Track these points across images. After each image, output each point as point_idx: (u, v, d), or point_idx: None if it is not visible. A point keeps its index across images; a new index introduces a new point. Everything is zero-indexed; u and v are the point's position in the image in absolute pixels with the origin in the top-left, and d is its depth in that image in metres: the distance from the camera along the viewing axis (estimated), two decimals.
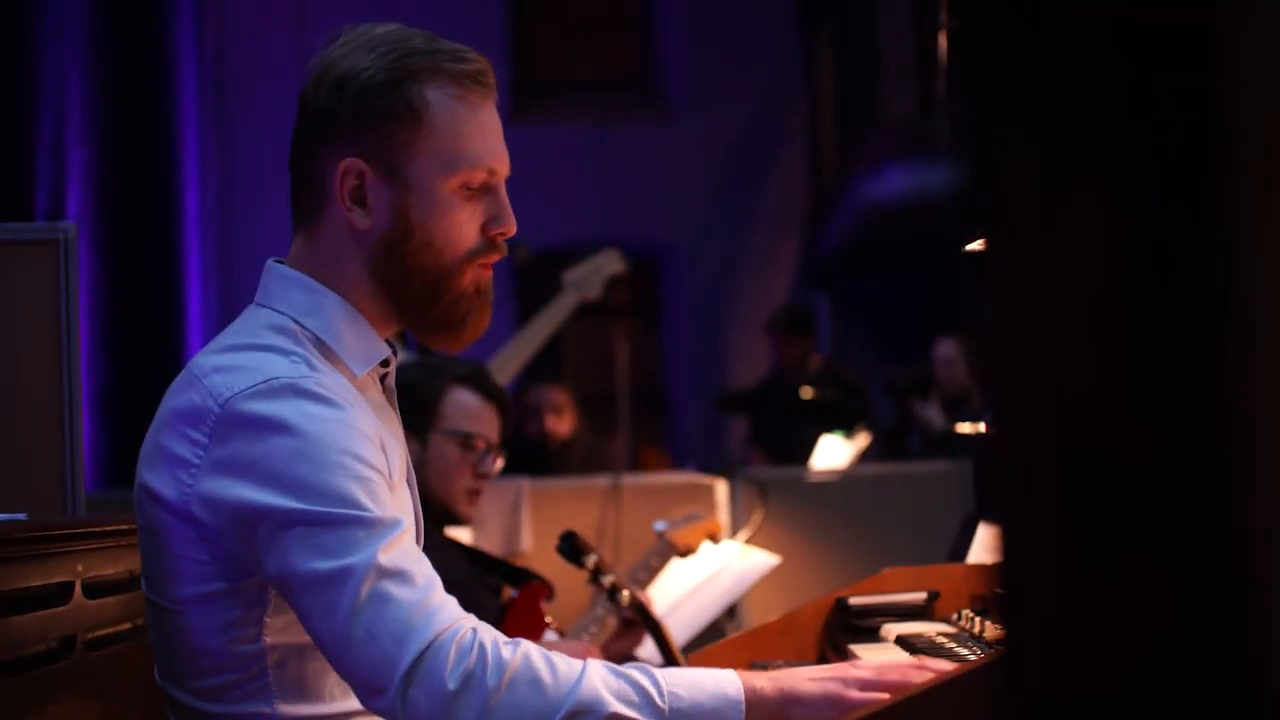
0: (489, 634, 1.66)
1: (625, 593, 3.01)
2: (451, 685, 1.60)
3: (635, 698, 1.65)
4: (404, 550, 1.67)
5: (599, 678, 1.65)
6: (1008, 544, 0.63)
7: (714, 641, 2.46)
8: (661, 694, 1.66)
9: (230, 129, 9.46)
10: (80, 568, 2.04)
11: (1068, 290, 0.62)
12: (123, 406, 5.90)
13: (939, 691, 1.61)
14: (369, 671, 1.62)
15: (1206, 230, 0.60)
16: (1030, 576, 0.63)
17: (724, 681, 1.69)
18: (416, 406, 3.15)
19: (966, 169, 0.62)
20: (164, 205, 6.88)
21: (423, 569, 1.67)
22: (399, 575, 1.64)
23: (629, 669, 1.69)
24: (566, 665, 1.66)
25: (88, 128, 6.23)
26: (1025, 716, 0.63)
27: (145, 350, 6.24)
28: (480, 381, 3.28)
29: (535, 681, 1.63)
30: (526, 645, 1.67)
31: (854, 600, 2.32)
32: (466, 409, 3.25)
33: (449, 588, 1.71)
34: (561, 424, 6.34)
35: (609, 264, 5.38)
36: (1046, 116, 0.62)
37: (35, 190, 5.89)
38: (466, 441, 3.22)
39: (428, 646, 1.61)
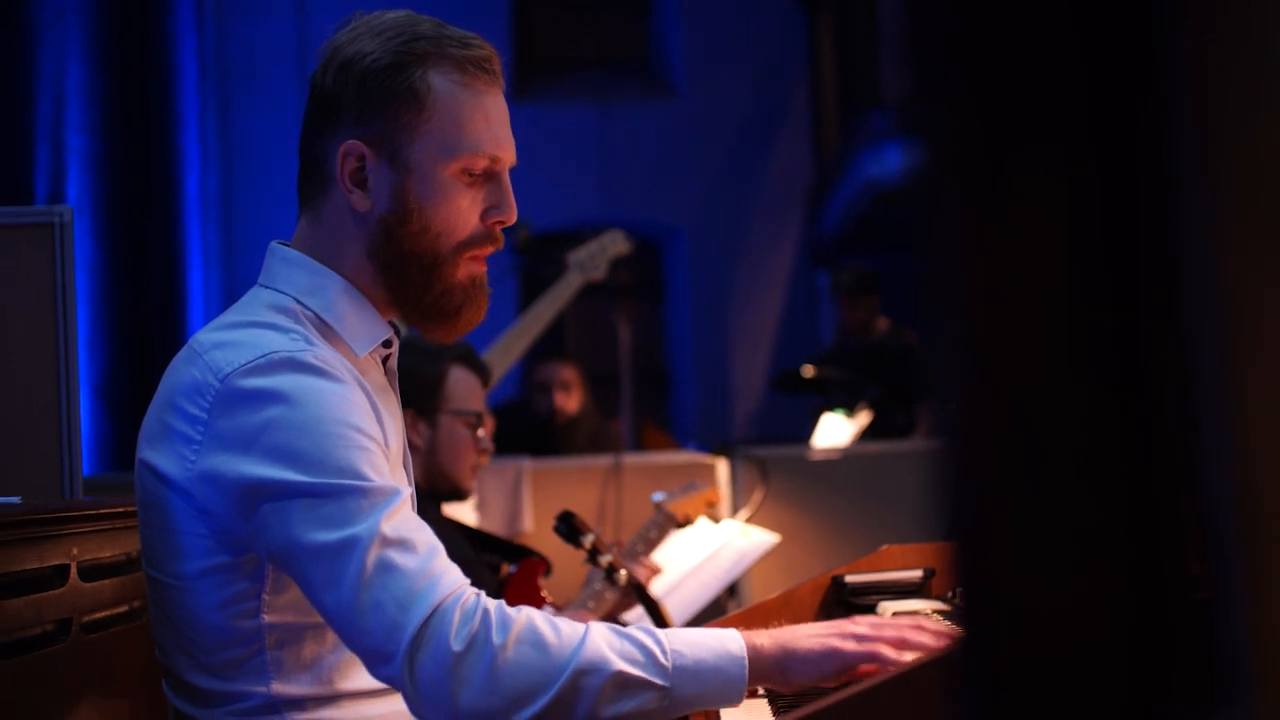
0: (492, 600, 1.68)
1: (623, 572, 3.01)
2: (457, 647, 1.62)
3: (639, 656, 1.68)
4: (405, 519, 1.69)
5: (603, 638, 1.68)
6: (963, 539, 0.63)
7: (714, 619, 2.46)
8: (664, 652, 1.69)
9: (231, 111, 9.45)
10: (76, 550, 2.04)
11: (1019, 273, 0.62)
12: (124, 389, 5.91)
13: (910, 677, 1.61)
14: (376, 640, 1.64)
15: (1161, 203, 0.60)
16: (987, 572, 0.63)
17: (726, 639, 1.73)
18: (421, 390, 3.21)
19: (919, 138, 0.62)
20: (165, 188, 6.88)
21: (424, 537, 1.69)
22: (402, 544, 1.66)
23: (631, 630, 1.72)
24: (570, 627, 1.68)
25: (87, 112, 6.22)
26: (984, 710, 0.63)
27: (147, 333, 6.24)
28: (473, 359, 3.37)
29: (540, 642, 1.65)
30: (530, 610, 1.69)
31: (850, 578, 2.32)
32: (469, 388, 3.32)
33: None
34: (570, 401, 6.34)
35: (614, 244, 5.41)
36: (997, 79, 0.62)
37: (35, 175, 5.89)
38: (468, 420, 3.28)
39: (433, 611, 1.63)
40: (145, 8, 6.87)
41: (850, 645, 1.74)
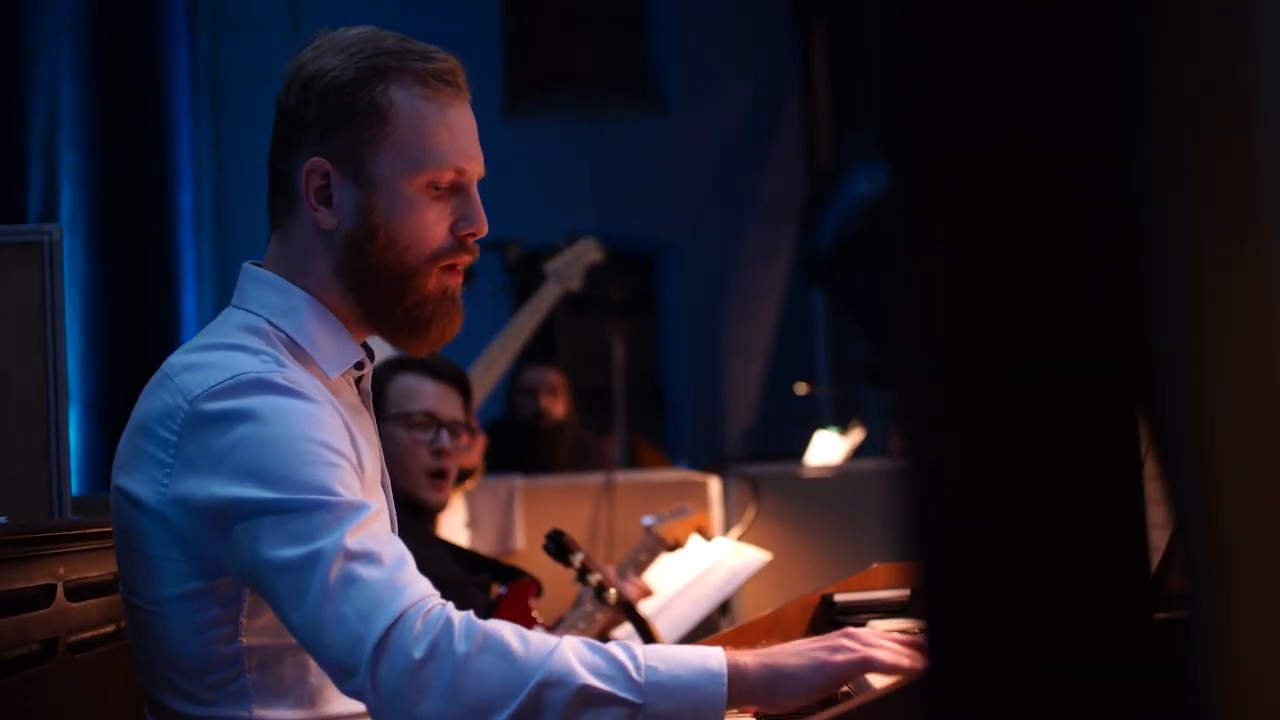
0: (460, 611, 1.64)
1: (612, 590, 3.00)
2: (417, 654, 1.58)
3: (610, 671, 1.62)
4: (372, 533, 1.65)
5: (573, 651, 1.63)
6: (927, 560, 0.62)
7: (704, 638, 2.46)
8: (638, 667, 1.63)
9: (224, 129, 9.45)
10: (62, 570, 2.04)
11: (985, 286, 0.62)
12: (117, 407, 5.90)
13: (884, 701, 1.59)
14: (339, 654, 1.60)
15: (1127, 216, 0.60)
16: (951, 593, 0.63)
17: (707, 656, 1.67)
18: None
19: (888, 147, 0.62)
20: (158, 206, 6.88)
21: (392, 549, 1.65)
22: (367, 556, 1.62)
23: (609, 645, 1.67)
24: (540, 639, 1.64)
25: (81, 129, 6.22)
26: None
27: (140, 350, 6.24)
28: (421, 363, 3.27)
29: (505, 652, 1.61)
30: (502, 622, 1.65)
31: (840, 597, 2.32)
32: (406, 390, 3.25)
33: (439, 587, 1.70)
34: (556, 405, 6.29)
35: (588, 253, 5.43)
36: (963, 87, 0.62)
37: (28, 193, 5.89)
38: (408, 420, 3.22)
39: (395, 621, 1.59)
40: (139, 24, 6.88)
41: (838, 656, 1.70)
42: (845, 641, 1.72)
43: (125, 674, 2.15)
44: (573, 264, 5.38)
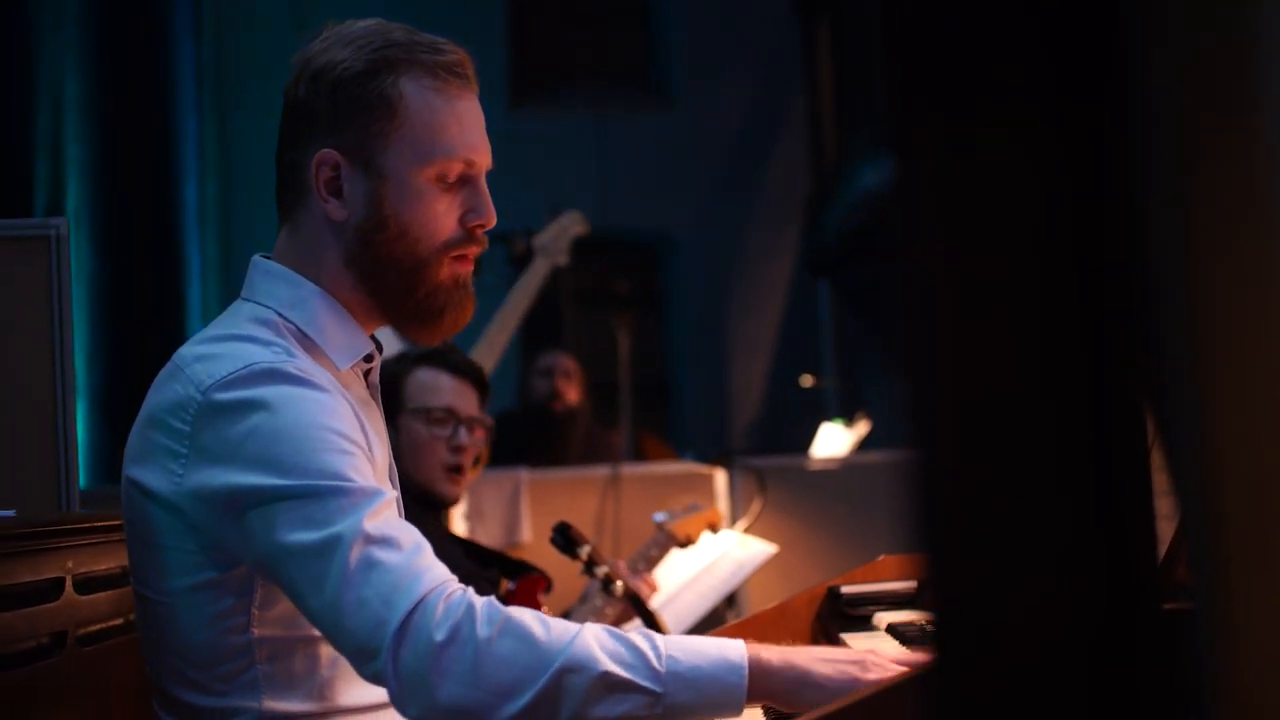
0: (481, 596, 1.65)
1: (619, 583, 3.01)
2: (439, 637, 1.59)
3: (631, 659, 1.63)
4: (389, 518, 1.67)
5: (594, 638, 1.64)
6: (934, 552, 0.63)
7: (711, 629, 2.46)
8: (659, 656, 1.64)
9: (230, 122, 9.45)
10: (71, 564, 2.04)
11: (988, 281, 0.62)
12: (123, 401, 5.90)
13: (892, 692, 1.58)
14: (361, 638, 1.61)
15: (1128, 209, 0.60)
16: (958, 584, 0.63)
17: (727, 648, 1.68)
18: (385, 396, 3.15)
19: (891, 143, 0.62)
20: (163, 199, 6.88)
21: (409, 534, 1.66)
22: (385, 541, 1.63)
23: (630, 633, 1.68)
24: (561, 625, 1.64)
25: (86, 122, 6.22)
26: None
27: (146, 344, 6.24)
28: (440, 358, 3.29)
29: (527, 636, 1.61)
30: (523, 608, 1.66)
31: (846, 589, 2.32)
32: (425, 385, 3.27)
33: None
34: (571, 390, 6.26)
35: (573, 225, 5.43)
36: (966, 81, 0.62)
37: (34, 187, 5.89)
38: (428, 415, 3.24)
39: (416, 605, 1.60)
40: (144, 18, 6.87)
41: (871, 677, 1.67)
42: (875, 660, 1.71)
43: (134, 667, 2.15)
44: (559, 237, 5.38)
